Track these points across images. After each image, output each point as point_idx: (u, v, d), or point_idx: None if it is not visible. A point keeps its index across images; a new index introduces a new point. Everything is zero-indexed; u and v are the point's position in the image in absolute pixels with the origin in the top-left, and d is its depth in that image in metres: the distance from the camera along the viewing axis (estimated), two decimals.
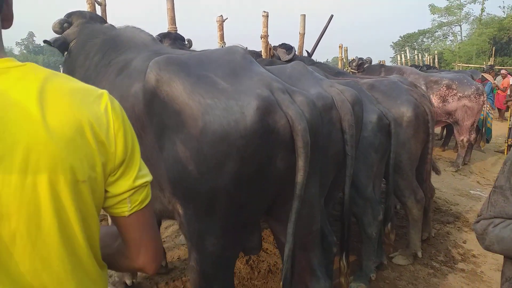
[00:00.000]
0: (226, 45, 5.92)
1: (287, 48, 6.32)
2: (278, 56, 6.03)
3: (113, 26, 3.32)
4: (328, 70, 5.63)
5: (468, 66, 25.39)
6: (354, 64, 8.57)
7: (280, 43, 6.49)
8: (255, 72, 1.93)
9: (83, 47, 2.91)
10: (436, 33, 44.70)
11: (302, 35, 7.32)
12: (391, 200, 3.44)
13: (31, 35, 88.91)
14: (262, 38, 6.51)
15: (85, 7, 3.94)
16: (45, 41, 3.06)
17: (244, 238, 1.99)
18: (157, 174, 2.04)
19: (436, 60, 22.73)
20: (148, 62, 2.13)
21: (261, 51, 6.59)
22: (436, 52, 27.04)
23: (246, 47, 5.54)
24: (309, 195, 1.96)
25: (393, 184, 3.45)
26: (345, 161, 2.50)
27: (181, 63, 1.93)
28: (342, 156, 2.49)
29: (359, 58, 8.73)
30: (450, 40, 43.04)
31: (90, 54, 2.75)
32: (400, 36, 49.47)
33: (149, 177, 1.03)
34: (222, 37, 5.72)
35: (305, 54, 7.40)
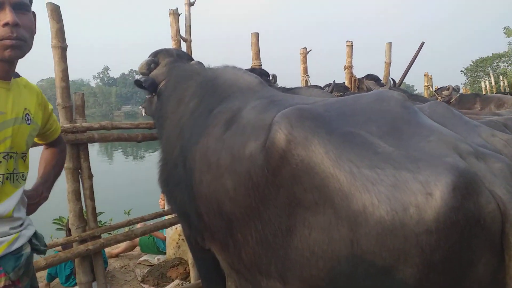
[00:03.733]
0: (310, 78, 5.48)
1: (376, 79, 5.74)
2: (368, 88, 5.44)
3: (201, 64, 2.98)
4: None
5: None
6: (445, 93, 7.66)
7: (366, 74, 5.94)
8: (428, 128, 1.37)
9: (175, 90, 2.55)
10: None
11: (388, 64, 6.67)
12: None
13: (106, 69, 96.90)
14: (346, 69, 5.98)
15: (170, 45, 3.68)
16: (136, 82, 2.78)
17: None
18: (279, 261, 1.53)
19: None
20: (264, 114, 1.66)
21: (344, 82, 6.06)
22: None
23: (334, 81, 5.03)
24: None
25: None
26: None
27: (318, 116, 1.43)
28: None
29: (455, 86, 7.82)
30: None
31: (184, 99, 2.37)
32: (472, 61, 46.34)
33: None
34: (305, 70, 5.28)
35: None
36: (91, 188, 2.93)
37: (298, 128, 1.38)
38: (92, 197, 2.92)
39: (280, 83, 4.47)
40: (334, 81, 4.79)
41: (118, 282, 4.51)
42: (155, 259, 4.94)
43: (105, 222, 6.85)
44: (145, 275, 4.46)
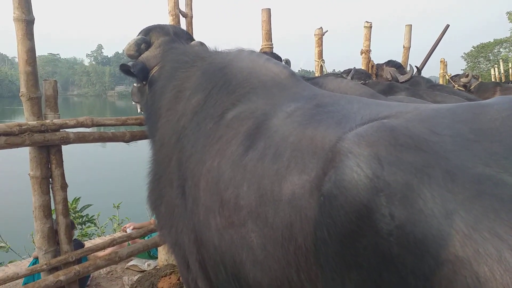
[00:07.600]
0: (325, 64, 4.84)
1: (397, 66, 5.11)
2: (389, 76, 4.82)
3: (205, 45, 2.35)
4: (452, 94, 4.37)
5: None
6: (464, 80, 7.04)
7: (387, 60, 5.30)
8: None
9: (171, 79, 1.93)
10: None
11: (407, 48, 6.03)
12: None
13: (99, 47, 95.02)
14: (363, 54, 5.34)
15: (167, 21, 3.03)
16: (122, 67, 2.14)
17: None
18: None
19: None
20: (312, 128, 1.05)
21: (360, 68, 5.42)
22: None
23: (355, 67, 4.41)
24: None
25: None
26: None
27: (425, 144, 0.83)
28: None
29: (473, 74, 7.21)
30: None
31: (184, 92, 1.75)
32: (473, 47, 45.62)
33: None
34: (320, 54, 4.62)
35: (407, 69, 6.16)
36: (65, 201, 2.33)
37: (392, 167, 0.78)
38: (66, 213, 2.33)
39: (295, 68, 3.86)
40: (354, 67, 4.17)
41: None
42: (145, 264, 4.43)
43: (93, 216, 6.25)
44: (133, 285, 3.97)
